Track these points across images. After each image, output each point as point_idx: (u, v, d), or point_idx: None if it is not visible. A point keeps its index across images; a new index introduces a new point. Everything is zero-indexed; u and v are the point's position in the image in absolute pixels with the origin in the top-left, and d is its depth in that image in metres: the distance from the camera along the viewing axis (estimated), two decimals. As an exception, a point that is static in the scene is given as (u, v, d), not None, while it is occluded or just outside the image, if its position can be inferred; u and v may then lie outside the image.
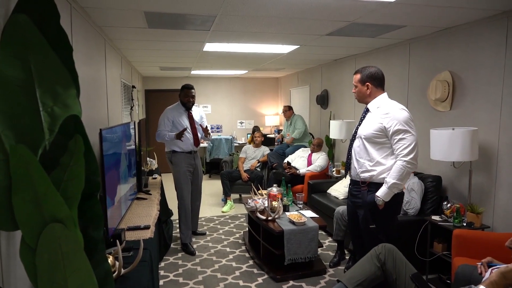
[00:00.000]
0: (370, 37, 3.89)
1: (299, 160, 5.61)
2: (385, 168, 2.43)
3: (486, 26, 3.11)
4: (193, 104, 4.05)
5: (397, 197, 2.46)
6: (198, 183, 4.20)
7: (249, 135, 8.54)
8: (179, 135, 3.76)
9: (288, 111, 6.39)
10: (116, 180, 2.48)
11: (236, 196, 6.18)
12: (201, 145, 4.78)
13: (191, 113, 4.05)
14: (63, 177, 1.29)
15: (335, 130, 5.06)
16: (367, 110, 2.58)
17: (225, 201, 5.71)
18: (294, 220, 3.29)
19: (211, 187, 7.02)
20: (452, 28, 3.44)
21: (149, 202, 3.33)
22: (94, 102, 3.15)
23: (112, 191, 2.31)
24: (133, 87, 5.71)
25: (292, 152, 5.92)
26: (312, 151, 5.56)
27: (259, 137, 6.12)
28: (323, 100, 6.32)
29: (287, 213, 3.59)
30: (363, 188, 2.51)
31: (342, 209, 3.51)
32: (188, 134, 3.94)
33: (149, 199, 3.43)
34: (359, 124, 2.61)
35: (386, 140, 2.42)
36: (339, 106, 5.84)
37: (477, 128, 2.97)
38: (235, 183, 5.77)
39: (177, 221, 4.53)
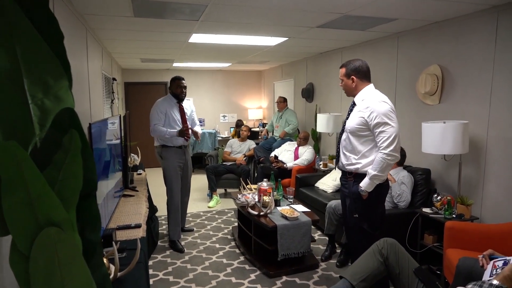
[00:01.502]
0: (360, 30, 3.87)
1: (285, 154, 5.57)
2: (370, 161, 2.43)
3: (476, 20, 3.13)
4: (185, 96, 3.93)
5: (380, 188, 2.46)
6: (188, 178, 4.10)
7: (232, 129, 8.45)
8: (183, 132, 3.67)
9: (282, 102, 6.30)
10: (104, 177, 2.35)
11: (222, 191, 6.09)
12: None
13: (182, 106, 3.92)
14: (57, 176, 1.18)
15: (322, 123, 5.04)
16: (354, 104, 2.57)
17: (210, 196, 5.61)
18: (286, 215, 3.25)
19: (195, 182, 6.84)
20: (442, 22, 3.46)
21: (136, 199, 3.21)
22: (77, 95, 2.98)
23: (100, 189, 2.18)
24: (114, 79, 5.50)
25: (279, 145, 5.87)
26: (299, 145, 5.54)
27: (245, 131, 6.04)
28: (308, 93, 6.29)
29: (278, 208, 3.54)
30: (350, 179, 2.54)
31: (334, 203, 3.50)
32: (179, 128, 3.81)
33: (137, 195, 3.30)
34: (347, 118, 2.59)
35: (369, 134, 2.41)
36: (325, 100, 5.83)
37: (468, 122, 3.00)
38: (220, 178, 5.68)
39: (163, 217, 4.42)
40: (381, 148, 2.33)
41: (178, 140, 3.80)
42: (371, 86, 2.53)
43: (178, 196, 3.90)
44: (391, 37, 4.16)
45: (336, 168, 2.75)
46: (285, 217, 3.26)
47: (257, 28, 3.81)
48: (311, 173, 5.20)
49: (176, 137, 3.73)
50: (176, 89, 3.83)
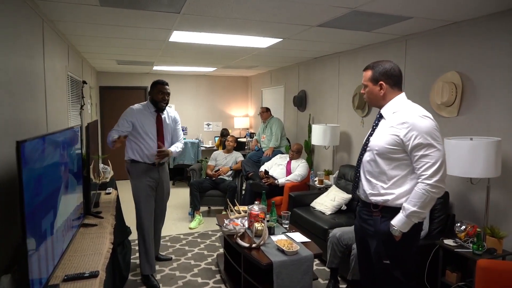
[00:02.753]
0: (366, 31, 3.39)
1: (276, 168, 5.04)
2: (404, 192, 1.89)
3: (503, 20, 2.69)
4: (166, 105, 3.33)
5: (417, 225, 1.93)
6: (163, 202, 3.48)
7: (217, 138, 7.88)
8: (116, 141, 2.91)
9: (265, 112, 5.80)
10: (49, 207, 1.75)
11: (205, 208, 5.49)
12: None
13: (160, 116, 3.30)
14: None
15: (318, 135, 4.54)
16: (380, 116, 2.03)
17: (192, 215, 5.01)
18: (284, 248, 2.69)
19: (175, 197, 6.25)
20: (461, 23, 3.01)
21: (99, 229, 2.59)
22: (23, 100, 2.37)
23: (40, 225, 1.59)
24: (84, 82, 4.86)
25: (268, 159, 5.33)
26: (291, 158, 5.01)
27: (231, 142, 5.47)
28: (300, 101, 5.80)
29: (273, 237, 2.99)
30: (375, 214, 1.97)
31: (338, 233, 2.97)
32: (152, 143, 3.21)
33: (100, 224, 2.68)
34: (371, 134, 2.05)
35: (405, 156, 1.87)
36: (320, 109, 5.34)
37: (500, 139, 2.53)
38: (204, 194, 5.08)
39: (137, 241, 3.78)
40: (423, 177, 1.80)
41: (150, 155, 3.18)
42: (403, 96, 2.01)
43: (149, 221, 3.29)
44: (398, 40, 3.70)
45: (354, 195, 2.16)
46: (282, 251, 2.70)
47: (248, 26, 3.29)
48: (306, 190, 4.68)
49: (111, 145, 2.95)
50: (157, 95, 3.22)
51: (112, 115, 7.21)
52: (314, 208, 4.11)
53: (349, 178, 4.16)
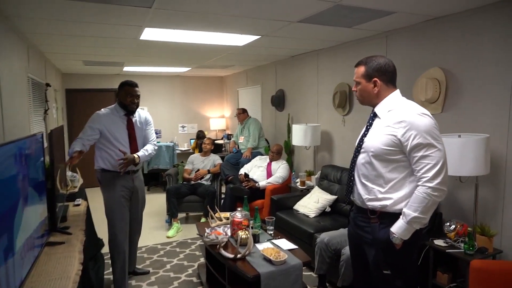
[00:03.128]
0: (347, 27, 3.29)
1: (256, 170, 4.87)
2: (403, 196, 1.77)
3: (487, 14, 2.65)
4: (137, 107, 3.08)
5: (417, 230, 1.82)
6: (139, 212, 3.24)
7: (192, 141, 7.64)
8: (73, 157, 2.71)
9: (241, 113, 5.62)
10: (3, 227, 1.50)
11: (183, 215, 5.25)
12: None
13: (131, 120, 3.06)
14: None
15: (299, 135, 4.42)
16: (374, 115, 1.91)
17: (170, 223, 4.76)
18: (270, 257, 2.53)
19: (151, 204, 5.95)
20: (442, 18, 2.96)
21: (67, 248, 2.33)
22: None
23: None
24: (47, 85, 4.51)
25: (247, 162, 5.16)
26: (271, 160, 4.86)
27: (208, 145, 5.26)
28: (278, 101, 5.66)
29: (258, 246, 2.82)
30: (373, 221, 1.83)
31: (326, 238, 2.84)
32: (124, 149, 2.96)
33: (68, 242, 2.41)
34: (365, 134, 1.92)
35: (403, 157, 1.75)
36: (299, 108, 5.22)
37: (489, 135, 2.48)
38: (182, 200, 4.84)
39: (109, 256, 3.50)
40: (423, 180, 1.68)
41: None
42: (398, 93, 1.89)
43: (123, 234, 3.04)
44: (379, 36, 3.63)
45: (348, 200, 2.00)
46: (269, 261, 2.54)
47: (226, 22, 3.10)
48: (287, 193, 4.54)
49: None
50: (125, 98, 2.97)
51: (81, 120, 6.79)
52: (298, 211, 3.98)
53: (332, 179, 4.06)
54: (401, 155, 1.74)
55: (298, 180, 4.55)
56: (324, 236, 2.88)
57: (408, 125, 1.69)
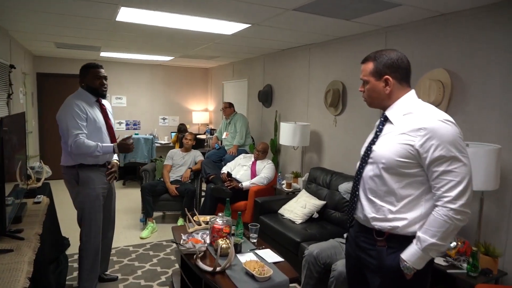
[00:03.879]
0: (345, 19, 3.02)
1: (240, 169, 4.57)
2: (418, 217, 1.49)
3: (500, 12, 2.42)
4: (106, 90, 2.78)
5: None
6: (111, 207, 2.95)
7: (173, 134, 7.26)
8: (125, 146, 2.64)
9: (228, 108, 5.28)
10: None
11: (159, 214, 4.90)
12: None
13: (104, 105, 2.78)
14: None
15: (287, 134, 4.14)
16: (385, 119, 1.63)
17: (144, 222, 4.41)
18: (254, 273, 2.24)
19: (126, 200, 5.59)
20: (448, 15, 2.72)
21: (15, 257, 1.97)
22: None
23: None
24: (12, 67, 4.07)
25: (231, 159, 4.85)
26: (256, 159, 4.57)
27: (190, 140, 4.91)
28: (266, 97, 5.36)
29: (240, 256, 2.53)
30: (380, 244, 1.56)
31: (316, 250, 2.57)
32: (105, 138, 2.69)
33: (18, 250, 2.05)
34: (373, 141, 1.63)
35: (420, 171, 1.48)
36: (287, 105, 4.94)
37: (500, 146, 2.25)
38: (158, 199, 4.50)
39: (76, 256, 3.14)
40: (445, 200, 1.41)
41: (104, 155, 2.65)
42: (413, 93, 1.61)
43: (99, 237, 2.73)
44: (378, 32, 3.37)
45: (351, 218, 1.68)
46: (252, 276, 2.25)
47: (214, 6, 2.77)
48: (272, 195, 4.26)
49: (113, 153, 2.67)
50: (93, 81, 2.66)
51: (52, 106, 6.32)
52: (283, 215, 3.71)
53: (320, 183, 3.80)
54: (417, 169, 1.47)
55: (284, 182, 4.28)
56: (314, 249, 2.61)
57: (428, 133, 1.42)
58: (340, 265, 2.44)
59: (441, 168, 1.41)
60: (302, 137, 4.09)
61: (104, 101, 2.85)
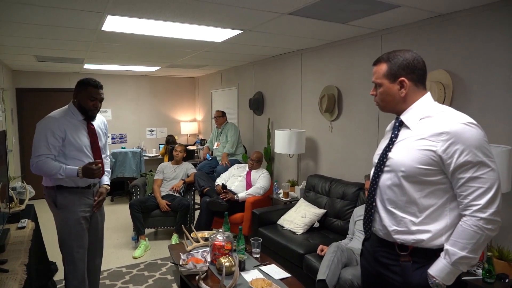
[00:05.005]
0: (341, 22, 2.94)
1: (235, 180, 4.43)
2: (443, 228, 1.38)
3: (501, 11, 2.38)
4: (98, 112, 2.56)
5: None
6: (98, 232, 2.71)
7: (162, 146, 7.07)
8: (91, 171, 2.33)
9: (220, 117, 5.14)
10: None
11: (151, 230, 4.70)
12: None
13: (92, 126, 2.54)
14: None
15: (282, 142, 4.03)
16: (400, 124, 1.53)
17: (136, 241, 4.20)
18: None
19: (115, 217, 5.36)
20: (449, 15, 2.67)
21: (0, 292, 1.78)
22: None
23: None
24: (-10, 82, 3.85)
25: (223, 170, 4.70)
26: (251, 168, 4.44)
27: (180, 152, 4.75)
28: (257, 104, 5.25)
29: (244, 274, 2.38)
30: (404, 259, 1.44)
31: (350, 275, 2.38)
32: (88, 160, 2.45)
33: (1, 285, 1.86)
34: (389, 148, 1.52)
35: (443, 178, 1.37)
36: (280, 112, 4.84)
37: (511, 148, 2.19)
38: (149, 215, 4.30)
39: (63, 284, 2.92)
40: (473, 209, 1.31)
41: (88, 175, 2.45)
42: (429, 96, 1.52)
43: (84, 263, 2.51)
44: (373, 35, 3.31)
45: (368, 231, 1.54)
46: (260, 296, 2.11)
47: (203, 11, 2.65)
48: (270, 206, 4.12)
49: (77, 178, 2.36)
50: (86, 101, 2.43)
51: (33, 122, 6.03)
52: (283, 226, 3.58)
53: (319, 190, 3.69)
54: (440, 176, 1.37)
55: (281, 191, 4.16)
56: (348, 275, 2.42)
57: (451, 137, 1.32)
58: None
59: (468, 175, 1.31)
60: (298, 144, 3.99)
61: (99, 118, 2.64)
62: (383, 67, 1.51)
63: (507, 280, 2.15)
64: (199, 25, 3.05)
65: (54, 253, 3.24)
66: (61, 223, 2.46)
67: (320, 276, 2.45)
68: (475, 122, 1.35)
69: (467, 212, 1.32)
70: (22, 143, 6.26)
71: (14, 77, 6.17)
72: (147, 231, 4.42)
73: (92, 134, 2.53)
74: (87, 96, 2.43)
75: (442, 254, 1.36)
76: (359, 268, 2.49)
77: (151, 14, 2.70)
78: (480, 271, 2.20)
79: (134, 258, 3.90)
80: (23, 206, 3.21)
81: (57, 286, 3.13)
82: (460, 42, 2.63)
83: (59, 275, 3.16)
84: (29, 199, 3.35)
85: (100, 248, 2.78)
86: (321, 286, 2.42)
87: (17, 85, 6.22)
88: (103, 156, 2.62)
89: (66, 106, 2.50)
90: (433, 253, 1.39)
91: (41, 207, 3.57)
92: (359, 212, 2.95)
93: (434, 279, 1.35)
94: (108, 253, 3.93)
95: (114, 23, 2.95)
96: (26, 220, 2.87)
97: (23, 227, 2.74)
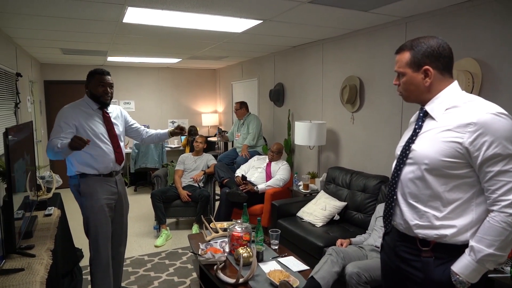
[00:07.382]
0: (363, 10, 2.85)
1: (254, 172, 4.43)
2: (469, 223, 1.33)
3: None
4: (111, 98, 2.63)
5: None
6: (123, 220, 2.78)
7: (183, 138, 7.14)
8: (77, 143, 2.13)
9: (240, 109, 5.08)
10: None
11: (173, 220, 4.78)
12: (126, 150, 3.34)
13: (107, 114, 2.62)
14: None
15: (302, 134, 3.98)
16: (424, 115, 1.47)
17: (158, 229, 4.29)
18: (278, 284, 2.09)
19: (138, 206, 5.49)
20: (477, 0, 2.54)
21: (27, 276, 1.85)
22: None
23: None
24: (18, 75, 3.98)
25: (244, 161, 4.71)
26: (271, 160, 4.42)
27: (201, 143, 4.78)
28: (277, 95, 5.21)
29: (262, 265, 2.39)
30: (426, 254, 1.39)
31: (355, 269, 2.33)
32: (106, 147, 2.52)
33: (29, 268, 1.94)
34: (412, 140, 1.46)
35: (469, 172, 1.31)
36: (300, 104, 4.78)
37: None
38: (171, 205, 4.38)
39: (89, 270, 3.02)
40: (502, 204, 1.24)
41: (106, 163, 2.52)
42: (456, 85, 1.45)
43: (107, 250, 2.59)
44: (397, 23, 3.20)
45: (388, 226, 1.50)
46: (277, 287, 2.10)
47: (223, 1, 2.63)
48: (289, 197, 4.11)
49: (68, 151, 2.21)
50: (96, 88, 2.53)
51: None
52: (302, 218, 3.55)
53: (340, 183, 3.64)
54: (467, 169, 1.31)
55: (301, 183, 4.12)
56: (351, 268, 2.36)
57: (479, 128, 1.25)
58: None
59: (496, 168, 1.25)
60: (318, 136, 3.93)
61: (112, 108, 2.72)
62: (406, 56, 1.45)
63: (536, 279, 2.06)
64: (218, 15, 3.03)
65: (79, 240, 3.36)
66: (85, 211, 2.53)
67: (311, 273, 2.41)
68: (505, 112, 1.28)
69: (495, 208, 1.26)
70: (50, 133, 6.48)
71: (42, 69, 6.38)
72: (169, 220, 4.50)
73: (108, 122, 2.60)
74: (96, 84, 2.53)
75: (467, 250, 1.31)
76: (368, 262, 2.45)
77: (170, 5, 2.71)
78: (508, 268, 2.11)
79: (156, 246, 3.99)
80: (50, 194, 3.33)
81: (83, 272, 3.24)
82: (491, 28, 2.50)
83: (85, 261, 3.26)
84: (56, 188, 3.47)
85: (124, 236, 2.86)
86: (311, 283, 2.37)
87: (45, 78, 6.43)
88: (121, 143, 2.67)
89: (81, 99, 2.58)
90: (457, 249, 1.33)
91: (67, 196, 3.69)
92: (381, 209, 2.88)
93: (457, 276, 1.30)
94: (131, 241, 4.03)
95: (134, 15, 2.97)
96: (53, 207, 2.98)
97: (50, 215, 2.84)
